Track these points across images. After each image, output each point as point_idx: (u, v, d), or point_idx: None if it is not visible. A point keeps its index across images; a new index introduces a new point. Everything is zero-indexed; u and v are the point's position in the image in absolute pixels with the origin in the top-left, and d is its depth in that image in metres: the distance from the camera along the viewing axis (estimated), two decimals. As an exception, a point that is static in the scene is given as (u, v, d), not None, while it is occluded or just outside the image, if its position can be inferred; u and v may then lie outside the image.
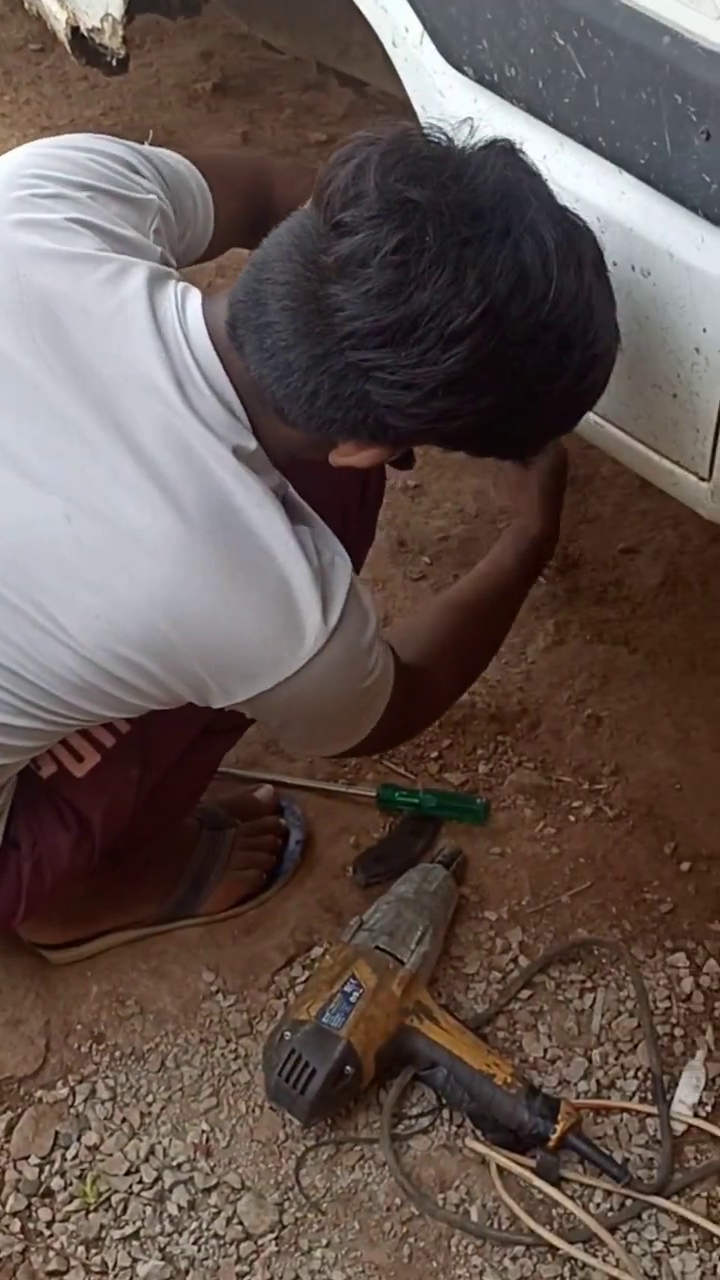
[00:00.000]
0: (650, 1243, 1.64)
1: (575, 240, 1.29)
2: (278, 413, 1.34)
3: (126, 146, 1.52)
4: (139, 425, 1.31)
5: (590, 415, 1.54)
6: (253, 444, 1.35)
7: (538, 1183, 1.65)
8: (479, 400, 1.27)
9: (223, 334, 1.33)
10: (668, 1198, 1.67)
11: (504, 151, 1.28)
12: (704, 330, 1.34)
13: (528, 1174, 1.66)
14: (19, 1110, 1.74)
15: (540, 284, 1.24)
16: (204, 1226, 1.65)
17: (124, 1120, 1.73)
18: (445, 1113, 1.73)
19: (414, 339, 1.22)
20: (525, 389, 1.29)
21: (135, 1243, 1.64)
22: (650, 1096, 1.75)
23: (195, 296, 1.37)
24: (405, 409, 1.27)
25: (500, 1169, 1.67)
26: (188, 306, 1.35)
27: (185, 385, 1.32)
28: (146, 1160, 1.70)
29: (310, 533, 1.37)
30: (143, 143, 1.56)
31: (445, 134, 1.28)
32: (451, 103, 1.49)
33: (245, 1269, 1.62)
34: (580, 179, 1.38)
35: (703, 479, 1.44)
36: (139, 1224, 1.65)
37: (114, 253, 1.37)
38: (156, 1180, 1.68)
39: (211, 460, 1.31)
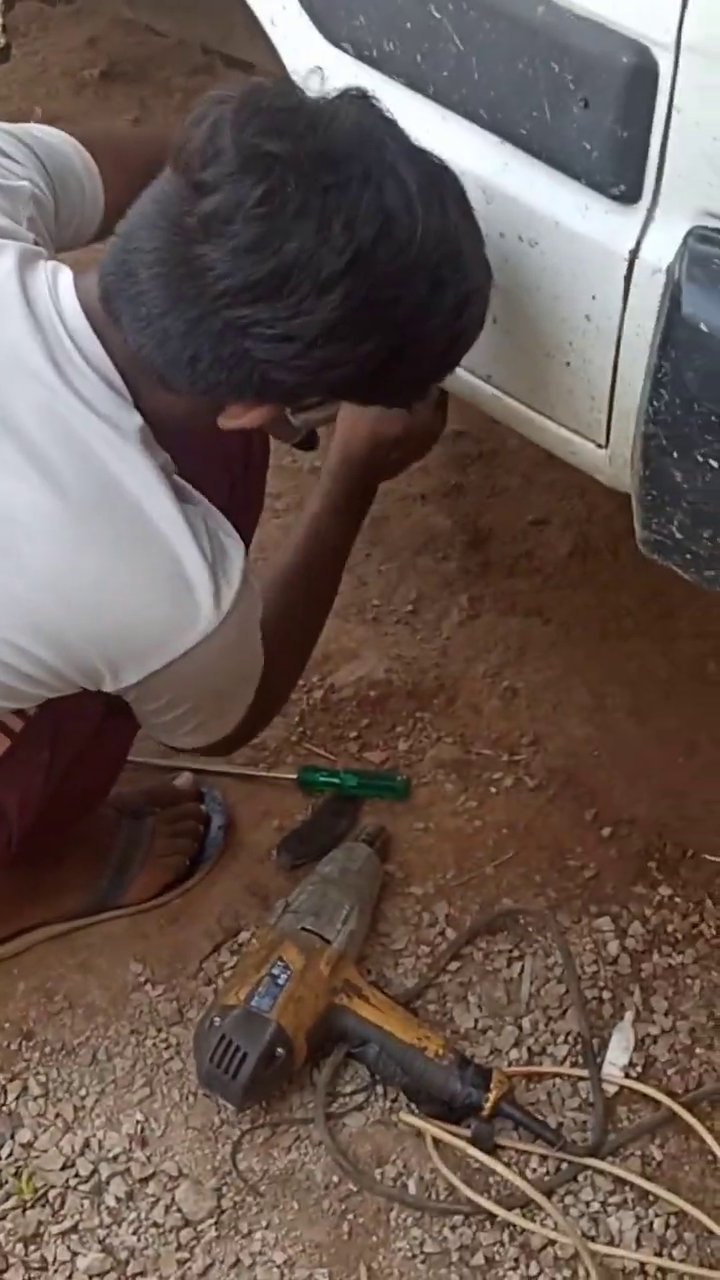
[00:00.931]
0: (587, 1204, 1.66)
1: (436, 179, 1.29)
2: (161, 382, 1.33)
3: (1, 131, 1.50)
4: (17, 409, 1.30)
5: (488, 388, 1.55)
6: (137, 420, 1.34)
7: (473, 1152, 1.66)
8: (359, 346, 1.27)
9: (97, 309, 1.32)
10: (602, 1159, 1.68)
11: (357, 98, 1.28)
12: (593, 297, 1.35)
13: (463, 1144, 1.67)
14: (-49, 1112, 1.73)
15: (406, 225, 1.24)
16: (143, 1216, 1.65)
17: (57, 1115, 1.72)
18: (379, 1088, 1.73)
19: (287, 290, 1.22)
20: (403, 331, 1.29)
21: (74, 1236, 1.63)
22: (581, 1060, 1.76)
23: (66, 274, 1.36)
24: (287, 362, 1.27)
25: (436, 1140, 1.68)
26: (60, 285, 1.34)
27: (63, 365, 1.31)
28: (82, 1154, 1.69)
29: (200, 512, 1.37)
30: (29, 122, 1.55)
31: (296, 86, 1.28)
32: (333, 81, 1.48)
33: (186, 1255, 1.62)
34: (464, 152, 1.38)
35: (600, 446, 1.45)
36: (77, 1217, 1.65)
37: None
38: (93, 1173, 1.68)
39: (94, 440, 1.31)
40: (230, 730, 1.60)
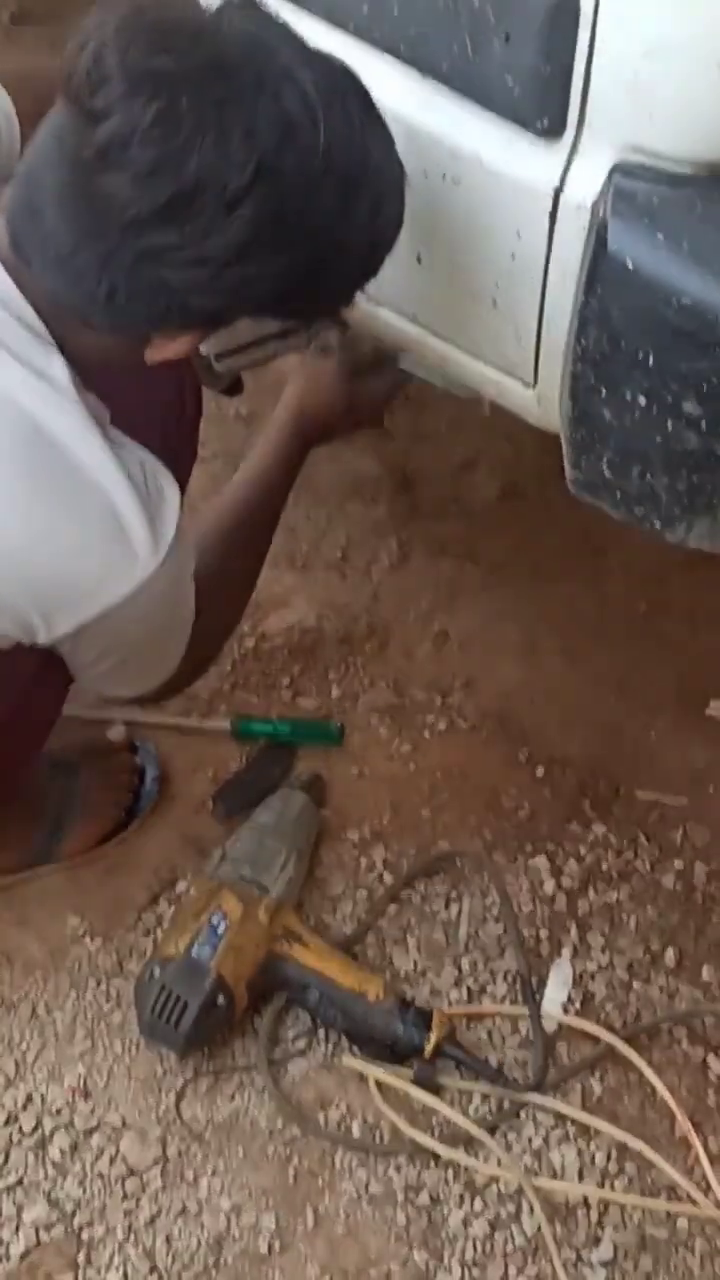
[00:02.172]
0: (529, 1140, 1.68)
1: (336, 80, 1.26)
2: (82, 322, 1.30)
3: None
4: None
5: (414, 328, 1.54)
6: (61, 365, 1.31)
7: (416, 1093, 1.67)
8: (275, 260, 1.24)
9: (7, 252, 1.29)
10: (543, 1094, 1.70)
11: (243, 6, 1.25)
12: (518, 235, 1.33)
13: (406, 1085, 1.68)
14: None
15: (308, 130, 1.21)
16: (87, 1168, 1.65)
17: (-1, 1071, 1.72)
18: (320, 1033, 1.74)
19: (194, 211, 1.18)
20: (320, 240, 1.27)
21: (19, 1190, 1.63)
22: (520, 999, 1.78)
23: None
24: (205, 286, 1.24)
25: (379, 1083, 1.69)
26: None
27: None
28: (24, 1108, 1.69)
29: (135, 458, 1.35)
30: None
31: (177, 2, 1.24)
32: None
33: (132, 1205, 1.62)
34: (385, 89, 1.35)
35: (528, 385, 1.45)
36: (21, 1172, 1.64)
37: None
38: (36, 1127, 1.67)
39: (18, 388, 1.28)
40: (166, 677, 1.59)
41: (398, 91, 1.36)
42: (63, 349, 1.32)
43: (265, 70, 1.20)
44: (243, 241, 1.21)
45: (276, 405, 1.79)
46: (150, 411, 1.47)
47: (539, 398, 1.44)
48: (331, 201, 1.25)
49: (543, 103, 1.25)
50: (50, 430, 1.29)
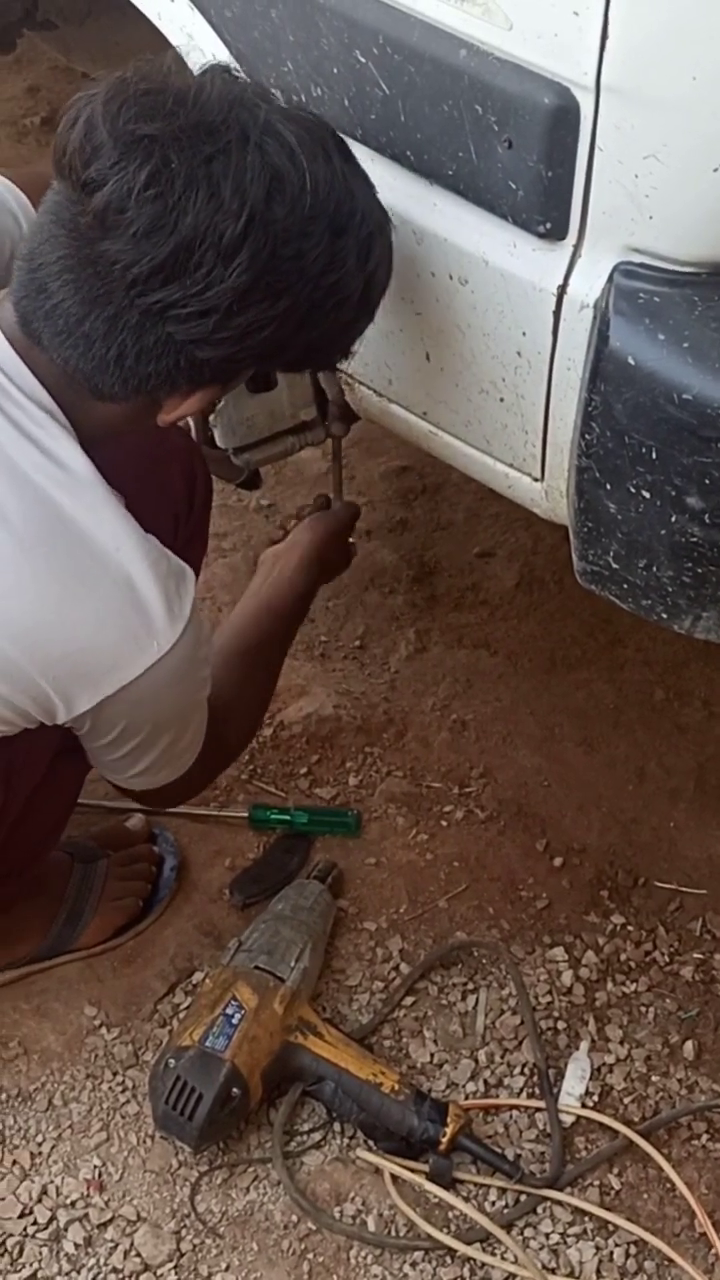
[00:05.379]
0: (547, 1235, 1.66)
1: (315, 131, 1.31)
2: (93, 392, 1.34)
3: None
4: None
5: (424, 424, 1.57)
6: (73, 443, 1.34)
7: (431, 1187, 1.66)
8: (276, 305, 1.29)
9: (17, 334, 1.33)
10: (561, 1189, 1.69)
11: (220, 70, 1.30)
12: (523, 334, 1.36)
13: (421, 1179, 1.67)
14: None
15: (295, 179, 1.26)
16: (102, 1262, 1.64)
17: (14, 1163, 1.71)
18: (336, 1126, 1.73)
19: (193, 265, 1.23)
20: (316, 283, 1.31)
21: (33, 1285, 1.63)
22: (538, 1091, 1.77)
23: None
24: (210, 337, 1.28)
25: (394, 1177, 1.68)
26: None
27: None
28: (39, 1201, 1.68)
29: (138, 533, 1.38)
30: None
31: (158, 69, 1.29)
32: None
33: (146, 1301, 1.61)
34: (393, 193, 1.39)
35: (536, 479, 1.47)
36: (36, 1266, 1.63)
37: None
38: (51, 1220, 1.67)
39: (34, 472, 1.31)
40: (180, 774, 1.60)
41: (405, 195, 1.40)
42: (74, 423, 1.35)
43: (248, 126, 1.25)
44: (242, 289, 1.25)
45: (291, 546, 1.93)
46: (163, 500, 1.50)
47: (546, 491, 1.46)
48: (323, 243, 1.30)
49: (545, 206, 1.28)
50: (68, 512, 1.32)
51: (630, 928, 1.94)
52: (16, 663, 1.35)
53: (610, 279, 1.27)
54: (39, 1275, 1.63)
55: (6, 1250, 1.64)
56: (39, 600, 1.33)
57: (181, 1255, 1.64)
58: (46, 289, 1.29)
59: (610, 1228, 1.67)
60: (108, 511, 1.34)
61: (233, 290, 1.25)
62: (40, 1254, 1.64)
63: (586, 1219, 1.67)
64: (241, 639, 1.77)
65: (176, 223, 1.22)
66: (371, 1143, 1.70)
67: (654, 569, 1.33)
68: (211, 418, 1.76)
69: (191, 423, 1.79)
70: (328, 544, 1.94)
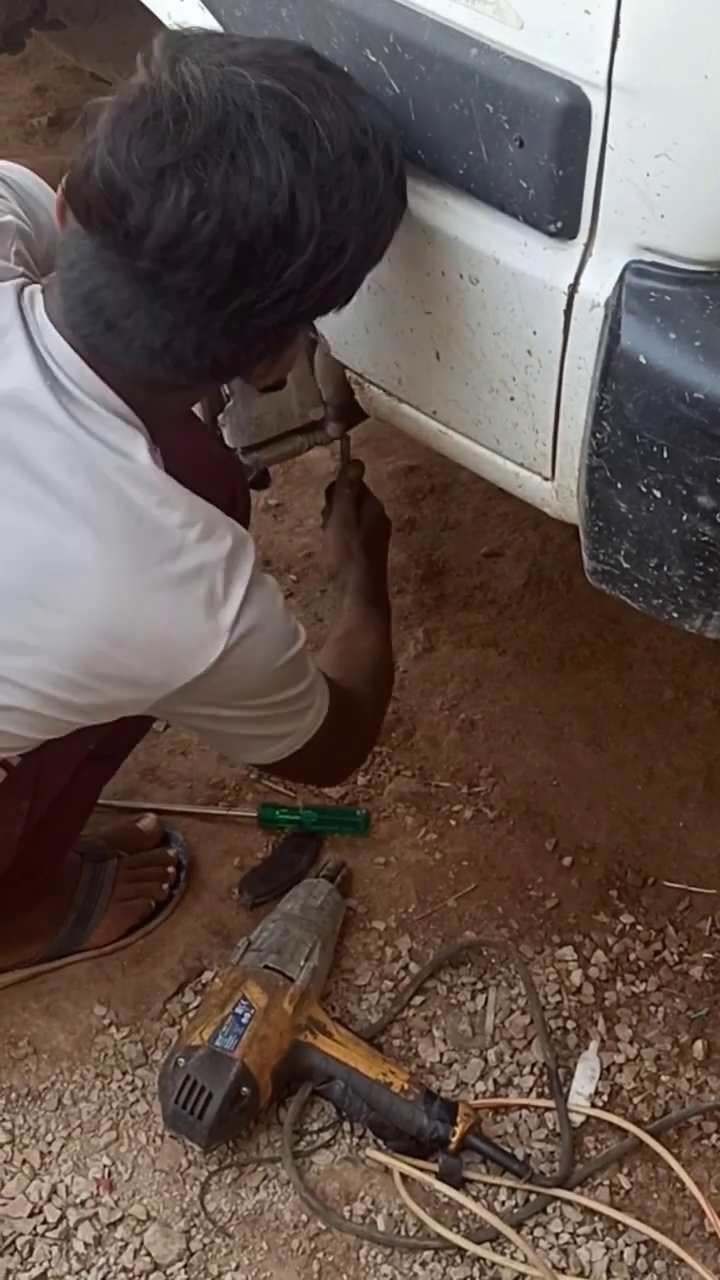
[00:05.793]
0: (556, 1235, 1.66)
1: (297, 78, 1.28)
2: (160, 391, 1.36)
3: None
4: (41, 457, 1.31)
5: (434, 424, 1.57)
6: (145, 444, 1.35)
7: (441, 1186, 1.66)
8: (343, 257, 1.30)
9: (76, 340, 1.33)
10: (570, 1189, 1.69)
11: (172, 46, 1.27)
12: (534, 333, 1.36)
13: (431, 1179, 1.67)
14: None
15: (309, 132, 1.25)
16: (111, 1261, 1.64)
17: (24, 1162, 1.71)
18: (345, 1125, 1.73)
19: (260, 259, 1.24)
20: (363, 218, 1.31)
21: (43, 1284, 1.63)
22: (547, 1091, 1.77)
23: (39, 305, 1.36)
24: (298, 309, 1.31)
25: (404, 1176, 1.68)
26: (45, 331, 1.34)
27: (69, 406, 1.32)
28: (49, 1200, 1.68)
29: (204, 513, 1.38)
30: None
31: (132, 81, 1.27)
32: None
33: (156, 1300, 1.61)
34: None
35: (546, 479, 1.47)
36: (46, 1265, 1.64)
37: None
38: (61, 1219, 1.67)
39: (113, 474, 1.32)
40: (313, 736, 1.57)
41: (416, 194, 1.40)
42: (144, 422, 1.36)
43: (247, 103, 1.23)
44: (312, 257, 1.27)
45: (343, 554, 1.96)
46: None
47: (557, 490, 1.46)
48: (356, 178, 1.29)
49: (556, 205, 1.27)
50: (141, 508, 1.33)
51: (639, 927, 1.94)
52: (114, 659, 1.35)
53: (621, 278, 1.26)
54: (49, 1274, 1.63)
55: (16, 1249, 1.64)
56: (131, 599, 1.34)
57: (191, 1254, 1.64)
58: (117, 327, 1.29)
59: (620, 1227, 1.66)
60: (178, 497, 1.35)
61: (303, 266, 1.26)
62: (50, 1253, 1.64)
63: (596, 1218, 1.67)
64: (359, 661, 1.78)
65: (233, 231, 1.22)
66: (381, 1142, 1.70)
67: (665, 568, 1.32)
68: (220, 417, 1.77)
69: (201, 419, 1.80)
70: (358, 532, 1.96)
